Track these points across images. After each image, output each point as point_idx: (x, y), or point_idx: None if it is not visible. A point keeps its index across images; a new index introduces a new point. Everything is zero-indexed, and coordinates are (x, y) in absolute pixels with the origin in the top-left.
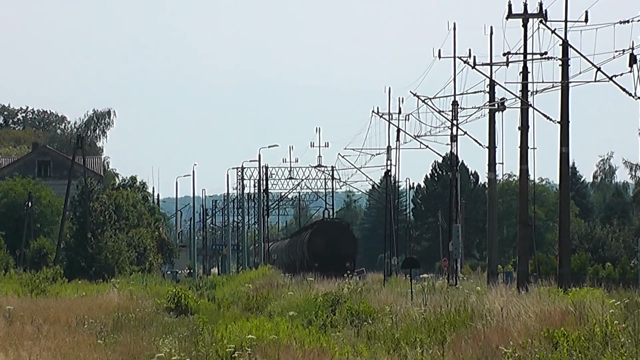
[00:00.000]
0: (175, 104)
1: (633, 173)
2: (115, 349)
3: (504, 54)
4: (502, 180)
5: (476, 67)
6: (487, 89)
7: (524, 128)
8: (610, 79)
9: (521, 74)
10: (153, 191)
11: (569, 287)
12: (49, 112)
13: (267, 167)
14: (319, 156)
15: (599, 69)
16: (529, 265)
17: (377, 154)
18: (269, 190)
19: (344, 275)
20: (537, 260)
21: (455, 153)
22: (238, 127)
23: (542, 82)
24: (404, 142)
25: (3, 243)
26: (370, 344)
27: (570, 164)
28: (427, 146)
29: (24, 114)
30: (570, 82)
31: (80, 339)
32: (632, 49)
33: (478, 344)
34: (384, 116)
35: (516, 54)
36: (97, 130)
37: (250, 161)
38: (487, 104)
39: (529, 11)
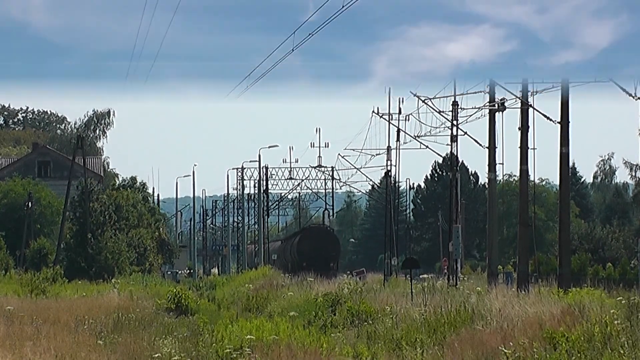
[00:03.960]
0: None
1: (633, 173)
2: (115, 350)
3: None
4: (502, 180)
5: None
6: (487, 89)
7: (524, 128)
8: (611, 79)
9: None
10: (153, 191)
11: (569, 288)
12: (49, 112)
13: (267, 168)
14: (319, 156)
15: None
16: (529, 266)
17: (377, 154)
18: (269, 191)
19: (328, 274)
20: (537, 261)
21: (455, 153)
22: (238, 127)
23: (542, 82)
24: (404, 143)
25: (3, 243)
26: (370, 345)
27: (571, 164)
28: (427, 146)
29: (24, 114)
30: (571, 82)
31: (80, 339)
32: None
33: (478, 344)
34: (384, 116)
35: None
36: (97, 131)
37: (250, 161)
38: (487, 104)
39: None
